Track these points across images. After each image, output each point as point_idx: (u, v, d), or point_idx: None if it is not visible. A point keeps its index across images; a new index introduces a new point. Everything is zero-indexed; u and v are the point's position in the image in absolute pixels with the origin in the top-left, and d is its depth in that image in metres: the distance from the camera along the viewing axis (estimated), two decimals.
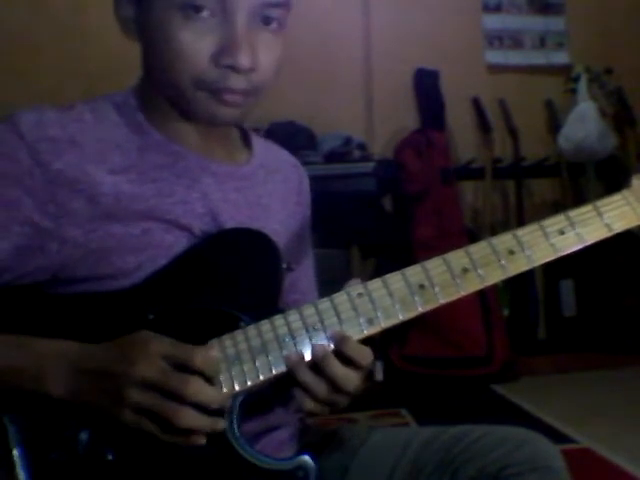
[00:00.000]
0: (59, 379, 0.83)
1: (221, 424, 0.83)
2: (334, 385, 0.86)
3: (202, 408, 0.81)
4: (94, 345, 0.84)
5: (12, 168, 0.88)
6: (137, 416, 0.80)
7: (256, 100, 0.95)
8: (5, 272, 0.89)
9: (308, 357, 0.87)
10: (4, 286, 0.90)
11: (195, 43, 0.89)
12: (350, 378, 0.86)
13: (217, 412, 0.83)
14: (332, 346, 0.87)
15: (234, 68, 0.89)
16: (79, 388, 0.82)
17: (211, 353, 0.84)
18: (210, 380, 0.83)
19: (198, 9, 0.88)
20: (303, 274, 1.14)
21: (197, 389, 0.80)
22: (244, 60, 0.88)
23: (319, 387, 0.86)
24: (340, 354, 0.86)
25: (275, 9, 0.91)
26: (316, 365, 0.86)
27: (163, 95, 0.96)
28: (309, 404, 0.87)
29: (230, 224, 0.97)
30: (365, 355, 0.87)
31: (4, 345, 0.86)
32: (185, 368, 0.81)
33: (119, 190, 0.91)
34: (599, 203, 0.96)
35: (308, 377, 0.86)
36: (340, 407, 0.89)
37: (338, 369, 0.85)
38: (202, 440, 0.82)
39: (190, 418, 0.80)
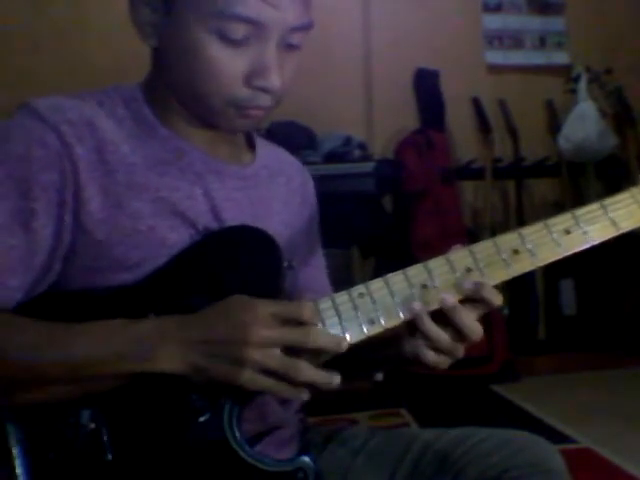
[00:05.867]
0: (171, 354, 0.82)
1: (337, 379, 0.84)
2: (461, 334, 0.88)
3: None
4: (193, 317, 0.85)
5: (46, 153, 0.89)
6: (256, 375, 0.81)
7: (273, 110, 0.98)
8: (54, 262, 0.89)
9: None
10: (48, 286, 0.91)
11: (229, 65, 0.91)
12: (476, 327, 0.89)
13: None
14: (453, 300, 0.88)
15: (266, 90, 0.92)
16: (194, 358, 0.82)
17: (312, 304, 0.86)
18: None
19: (234, 40, 0.90)
20: (317, 273, 1.15)
21: (317, 335, 0.83)
22: (276, 82, 0.92)
23: (442, 336, 0.88)
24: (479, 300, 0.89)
25: (300, 32, 0.94)
26: (441, 316, 0.88)
27: (181, 102, 0.97)
28: (431, 356, 0.89)
29: (232, 223, 0.97)
30: (498, 295, 0.89)
31: (102, 332, 0.85)
32: (291, 323, 0.83)
33: (131, 179, 0.92)
34: (606, 201, 0.94)
35: (432, 327, 0.88)
36: (456, 358, 0.92)
37: (468, 319, 0.88)
38: (307, 396, 0.84)
39: (310, 372, 0.82)
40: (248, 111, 0.95)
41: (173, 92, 0.97)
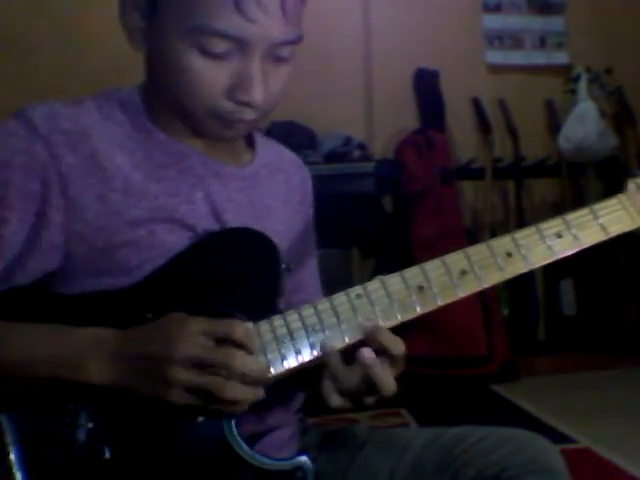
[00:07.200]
0: (100, 366, 0.83)
1: (261, 393, 0.84)
2: (373, 388, 0.87)
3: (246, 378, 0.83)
4: (129, 330, 0.85)
5: (29, 162, 0.89)
6: (184, 394, 0.81)
7: (262, 120, 0.98)
8: (17, 269, 0.89)
9: (307, 358, 0.87)
10: (14, 288, 0.90)
11: (211, 77, 0.90)
12: (390, 383, 0.88)
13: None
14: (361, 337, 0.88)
15: (247, 104, 0.91)
16: (121, 373, 0.83)
17: (247, 325, 0.85)
18: (249, 351, 0.84)
19: (216, 54, 0.89)
20: (308, 273, 1.15)
21: (243, 361, 0.82)
22: (258, 97, 0.91)
23: (350, 379, 0.87)
24: (374, 343, 0.87)
25: (288, 46, 0.92)
26: (350, 358, 0.87)
27: (171, 109, 0.97)
28: (336, 399, 0.88)
29: (233, 224, 0.98)
30: (398, 343, 0.88)
31: (39, 335, 0.86)
32: (224, 342, 0.83)
33: (129, 186, 0.92)
34: (596, 207, 0.97)
35: (340, 368, 0.87)
36: (367, 405, 0.90)
37: (383, 373, 0.87)
38: (245, 407, 0.84)
39: (237, 390, 0.82)
40: (231, 123, 0.94)
41: (164, 101, 0.97)
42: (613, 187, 1.01)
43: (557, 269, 3.60)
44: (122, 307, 0.90)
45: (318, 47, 3.44)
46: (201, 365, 0.81)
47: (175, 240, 0.93)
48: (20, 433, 0.84)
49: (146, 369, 0.82)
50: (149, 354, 0.82)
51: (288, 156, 1.17)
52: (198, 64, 0.89)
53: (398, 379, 0.90)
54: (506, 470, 0.93)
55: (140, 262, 0.91)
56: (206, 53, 0.89)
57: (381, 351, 0.88)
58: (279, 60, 0.93)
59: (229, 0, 0.86)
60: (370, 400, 0.90)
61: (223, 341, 0.83)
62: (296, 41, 0.93)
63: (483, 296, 3.31)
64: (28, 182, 0.89)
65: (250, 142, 1.09)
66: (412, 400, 3.07)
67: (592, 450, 2.43)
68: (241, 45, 0.89)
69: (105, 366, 0.83)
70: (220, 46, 0.88)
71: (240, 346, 0.83)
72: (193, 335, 0.82)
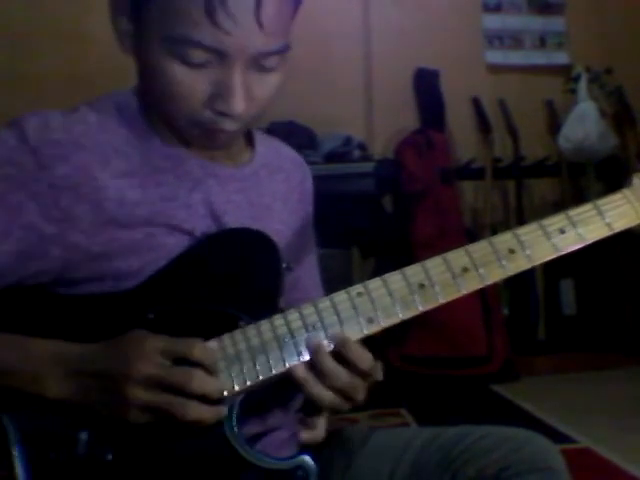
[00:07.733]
0: (58, 381, 0.83)
1: (224, 411, 0.84)
2: (325, 382, 0.87)
3: (205, 398, 0.83)
4: (90, 346, 0.85)
5: (17, 173, 0.88)
6: (144, 414, 0.82)
7: (248, 127, 0.97)
8: (7, 275, 0.89)
9: (308, 356, 0.87)
10: (6, 287, 0.90)
11: (190, 87, 0.89)
12: (341, 376, 0.87)
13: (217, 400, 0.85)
14: (332, 347, 0.87)
15: (227, 114, 0.90)
16: (79, 390, 0.83)
17: (208, 344, 0.85)
18: (209, 371, 0.84)
19: (195, 63, 0.88)
20: (305, 272, 1.15)
21: (201, 382, 0.82)
22: (238, 107, 0.89)
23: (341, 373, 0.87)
24: (340, 356, 0.87)
25: (272, 57, 0.90)
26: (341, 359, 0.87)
27: (162, 114, 0.96)
28: (327, 396, 0.88)
29: (233, 225, 0.97)
30: (365, 359, 0.88)
31: (2, 346, 0.86)
32: (184, 361, 0.82)
33: (123, 195, 0.91)
34: (600, 202, 0.96)
35: (330, 363, 0.87)
36: (340, 410, 0.90)
37: (330, 365, 0.87)
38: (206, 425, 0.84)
39: (197, 411, 0.82)
40: (212, 133, 0.93)
41: (153, 104, 0.96)
42: (613, 187, 1.01)
43: (557, 269, 3.60)
44: (123, 308, 0.90)
45: (318, 47, 3.45)
46: (159, 384, 0.81)
47: (175, 242, 0.93)
48: (23, 433, 0.84)
49: (104, 387, 0.82)
50: (107, 372, 0.82)
51: (288, 154, 1.16)
52: (179, 72, 0.88)
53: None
54: (506, 469, 0.93)
55: (141, 265, 0.91)
56: (186, 62, 0.88)
57: (348, 364, 0.87)
58: (264, 70, 0.91)
59: (203, 12, 0.85)
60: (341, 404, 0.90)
61: (182, 360, 0.83)
62: (281, 51, 0.91)
63: (483, 295, 3.31)
64: (12, 193, 0.88)
65: (249, 140, 1.09)
66: (412, 400, 3.07)
67: (592, 450, 2.43)
68: (220, 56, 0.87)
69: (63, 382, 0.83)
70: (199, 56, 0.87)
71: (199, 366, 0.83)
72: (151, 354, 0.82)
